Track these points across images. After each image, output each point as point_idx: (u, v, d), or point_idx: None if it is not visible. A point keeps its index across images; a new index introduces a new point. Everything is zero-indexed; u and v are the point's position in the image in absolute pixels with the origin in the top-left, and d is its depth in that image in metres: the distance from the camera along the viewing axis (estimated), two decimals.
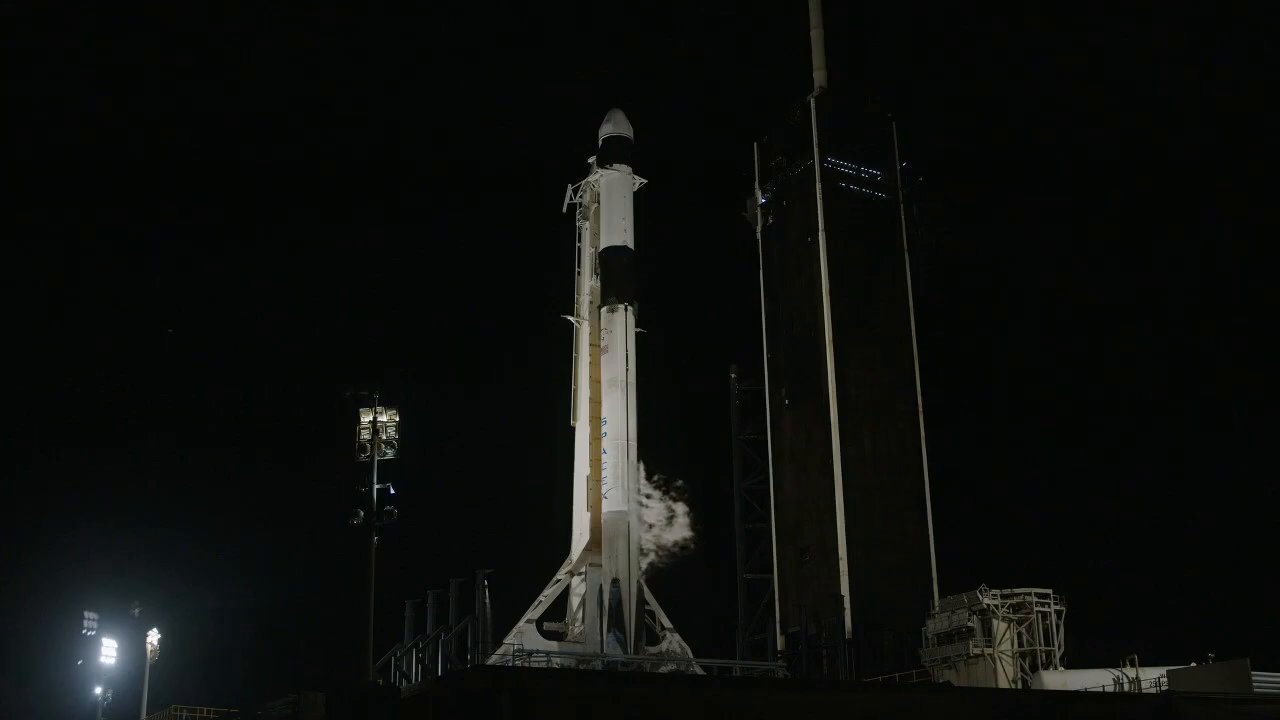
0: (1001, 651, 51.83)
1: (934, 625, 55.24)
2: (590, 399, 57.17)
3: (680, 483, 57.77)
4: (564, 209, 61.35)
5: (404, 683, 49.37)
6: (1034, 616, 52.33)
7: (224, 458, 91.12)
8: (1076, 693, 46.17)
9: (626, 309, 57.06)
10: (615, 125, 60.45)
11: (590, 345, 58.23)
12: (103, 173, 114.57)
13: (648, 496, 56.38)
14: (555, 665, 47.78)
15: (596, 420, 56.26)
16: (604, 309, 57.72)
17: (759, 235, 77.64)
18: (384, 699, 39.87)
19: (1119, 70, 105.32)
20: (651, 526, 56.49)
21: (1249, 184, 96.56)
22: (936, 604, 58.10)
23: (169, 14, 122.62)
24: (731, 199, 79.23)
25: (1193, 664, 49.58)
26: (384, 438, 42.99)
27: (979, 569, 56.22)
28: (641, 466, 56.11)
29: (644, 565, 55.07)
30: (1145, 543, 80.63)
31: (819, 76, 77.06)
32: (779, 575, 71.69)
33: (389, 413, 43.28)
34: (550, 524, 58.47)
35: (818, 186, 73.36)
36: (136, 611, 55.30)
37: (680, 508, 57.22)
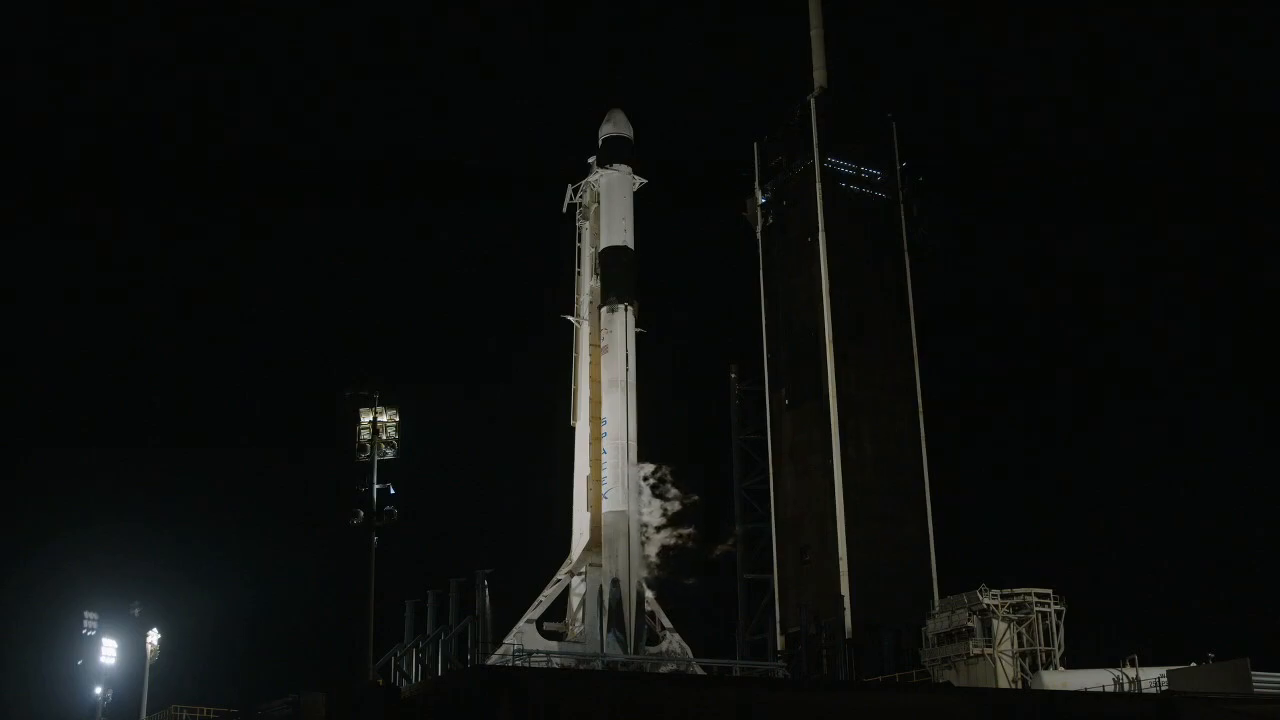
0: (1001, 651, 51.81)
1: (934, 625, 55.22)
2: (590, 399, 57.15)
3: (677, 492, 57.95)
4: (564, 209, 61.37)
5: (404, 683, 49.33)
6: (1034, 616, 52.32)
7: (224, 458, 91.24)
8: (1076, 693, 46.17)
9: (626, 309, 57.03)
10: (615, 125, 60.41)
11: (590, 345, 58.20)
12: (103, 173, 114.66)
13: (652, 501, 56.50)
14: (555, 665, 47.76)
15: (596, 420, 56.24)
16: (604, 309, 57.69)
17: (759, 235, 77.57)
18: (384, 699, 39.92)
19: (1120, 69, 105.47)
20: (659, 529, 56.60)
21: (1251, 182, 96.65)
22: (936, 604, 58.09)
23: (169, 10, 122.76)
24: (731, 199, 79.26)
25: (1193, 664, 49.57)
26: (384, 438, 43.07)
27: (979, 569, 56.32)
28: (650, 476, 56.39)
29: (645, 568, 55.11)
30: (1145, 543, 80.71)
31: (819, 76, 76.96)
32: (779, 575, 71.61)
33: (389, 413, 43.35)
34: (550, 524, 58.53)
35: (818, 186, 73.29)
36: (136, 611, 55.35)
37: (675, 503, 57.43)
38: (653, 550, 56.79)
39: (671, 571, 57.26)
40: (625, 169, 59.64)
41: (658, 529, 57.15)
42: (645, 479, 56.66)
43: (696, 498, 59.39)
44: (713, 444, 76.86)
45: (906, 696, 46.80)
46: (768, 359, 75.55)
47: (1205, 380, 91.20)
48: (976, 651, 52.07)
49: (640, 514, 55.59)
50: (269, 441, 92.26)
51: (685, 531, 58.30)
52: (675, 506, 57.62)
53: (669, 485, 57.64)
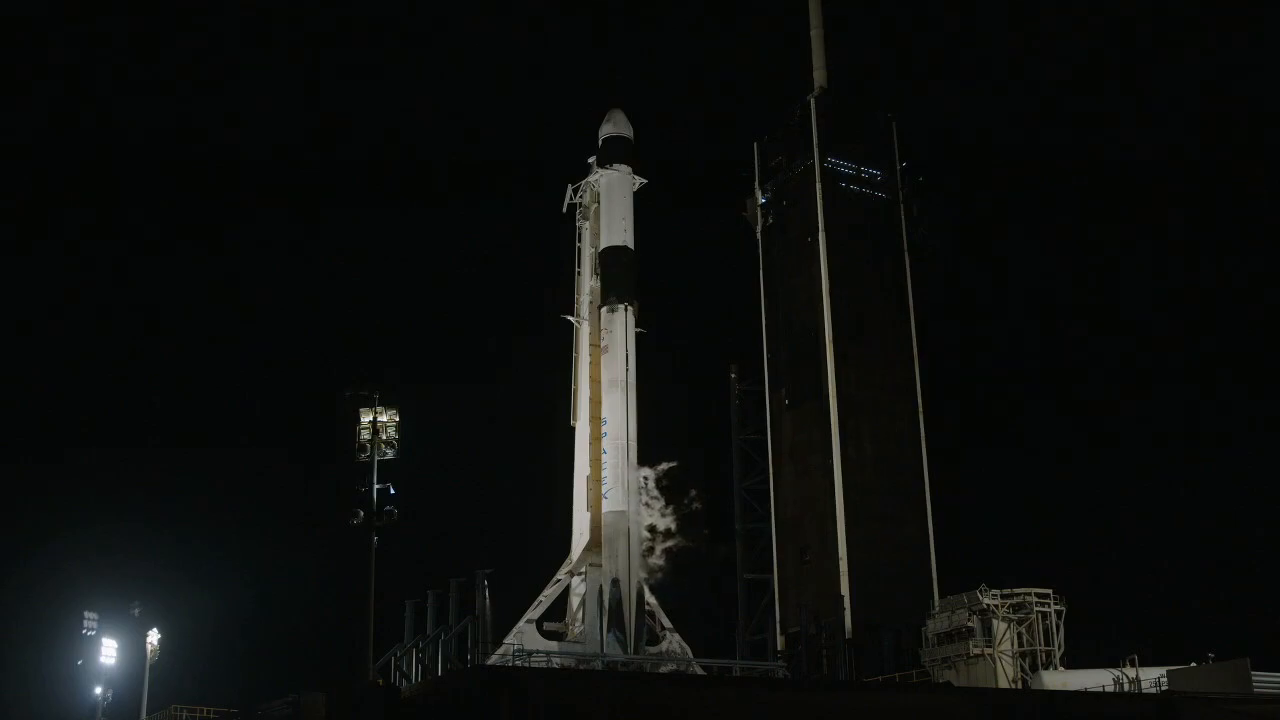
0: (1001, 651, 51.81)
1: (934, 625, 55.21)
2: (590, 399, 57.13)
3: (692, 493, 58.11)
4: (564, 209, 61.36)
5: (404, 683, 49.35)
6: (1034, 616, 52.32)
7: (224, 458, 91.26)
8: (1076, 693, 46.16)
9: (626, 309, 57.02)
10: (615, 125, 60.40)
11: (590, 345, 58.19)
12: (104, 173, 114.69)
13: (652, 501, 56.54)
14: (555, 665, 47.76)
15: (596, 420, 56.22)
16: (604, 309, 57.68)
17: (759, 235, 77.57)
18: (384, 699, 39.91)
19: (1120, 69, 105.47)
20: (670, 532, 56.67)
21: (1251, 182, 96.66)
22: (936, 604, 58.08)
23: (170, 10, 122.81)
24: (731, 199, 79.26)
25: (1193, 664, 49.56)
26: (384, 438, 43.06)
27: (979, 569, 56.31)
28: (651, 476, 56.42)
29: (647, 569, 55.12)
30: (1145, 543, 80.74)
31: (819, 76, 76.96)
32: (779, 575, 71.63)
33: (389, 413, 43.34)
34: (550, 524, 58.52)
35: (818, 186, 73.28)
36: (136, 611, 55.34)
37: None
38: (659, 552, 56.70)
39: (673, 572, 57.31)
40: (625, 169, 59.62)
41: (668, 532, 57.08)
42: (659, 480, 56.74)
43: (706, 497, 59.67)
44: (713, 444, 76.98)
45: (906, 696, 46.79)
46: (768, 359, 75.54)
47: (1205, 380, 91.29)
48: (976, 651, 52.05)
49: (641, 515, 55.55)
50: (269, 441, 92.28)
51: (703, 532, 58.49)
52: (689, 508, 57.77)
53: (687, 486, 57.92)
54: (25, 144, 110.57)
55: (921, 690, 49.91)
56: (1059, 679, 49.75)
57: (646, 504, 56.31)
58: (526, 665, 46.35)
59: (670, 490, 57.45)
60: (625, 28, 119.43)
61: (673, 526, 57.24)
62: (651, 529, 56.42)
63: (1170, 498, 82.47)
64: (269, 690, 48.10)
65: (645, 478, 56.49)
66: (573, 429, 58.28)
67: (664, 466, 57.16)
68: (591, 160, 60.73)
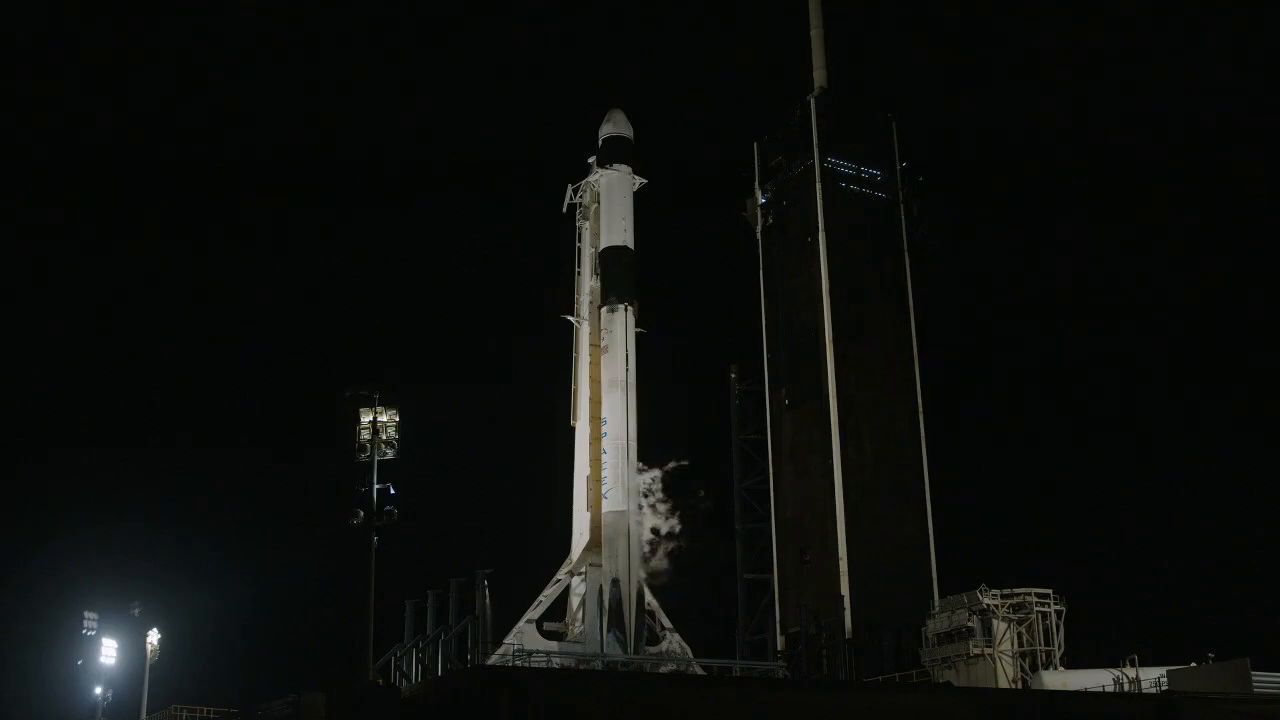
0: (1001, 651, 51.81)
1: (934, 625, 55.21)
2: (590, 399, 57.16)
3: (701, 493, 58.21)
4: (564, 209, 61.40)
5: (404, 683, 49.35)
6: (1034, 616, 52.32)
7: (224, 458, 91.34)
8: (1076, 693, 46.16)
9: (626, 309, 57.04)
10: (615, 125, 60.42)
11: (590, 345, 58.22)
12: (103, 172, 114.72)
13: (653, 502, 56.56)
14: (555, 665, 47.75)
15: (596, 420, 56.24)
16: (604, 309, 57.71)
17: (759, 235, 77.57)
18: (384, 699, 39.91)
19: (1119, 69, 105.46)
20: (674, 534, 56.68)
21: (1251, 182, 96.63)
22: (936, 604, 58.07)
23: (170, 10, 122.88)
24: (731, 199, 79.26)
25: (1193, 664, 49.56)
26: (384, 438, 43.04)
27: (979, 569, 56.31)
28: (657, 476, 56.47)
29: (649, 572, 55.11)
30: (1145, 543, 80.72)
31: (819, 76, 76.96)
32: (779, 575, 71.62)
33: (389, 413, 43.33)
34: (550, 524, 58.52)
35: (818, 186, 73.27)
36: (136, 611, 55.31)
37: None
38: (661, 554, 56.66)
39: (674, 572, 57.29)
40: (625, 169, 59.64)
41: (671, 534, 57.03)
42: (666, 478, 56.80)
43: (708, 498, 59.71)
44: (713, 444, 76.96)
45: (906, 696, 46.78)
46: (768, 359, 75.52)
47: (1205, 380, 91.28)
48: (976, 651, 52.06)
49: (643, 516, 55.52)
50: (269, 441, 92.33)
51: (711, 532, 58.50)
52: (697, 507, 57.85)
53: (694, 485, 58.01)
54: (26, 144, 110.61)
55: (921, 690, 49.90)
56: (1059, 679, 49.74)
57: (653, 506, 56.32)
58: (526, 665, 46.35)
59: (676, 491, 57.52)
60: (625, 28, 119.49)
61: (676, 528, 57.20)
62: (655, 531, 56.40)
63: (1170, 498, 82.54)
64: (269, 690, 48.10)
65: (652, 479, 56.53)
66: (573, 429, 58.31)
67: (671, 465, 57.23)
68: (591, 160, 60.75)
